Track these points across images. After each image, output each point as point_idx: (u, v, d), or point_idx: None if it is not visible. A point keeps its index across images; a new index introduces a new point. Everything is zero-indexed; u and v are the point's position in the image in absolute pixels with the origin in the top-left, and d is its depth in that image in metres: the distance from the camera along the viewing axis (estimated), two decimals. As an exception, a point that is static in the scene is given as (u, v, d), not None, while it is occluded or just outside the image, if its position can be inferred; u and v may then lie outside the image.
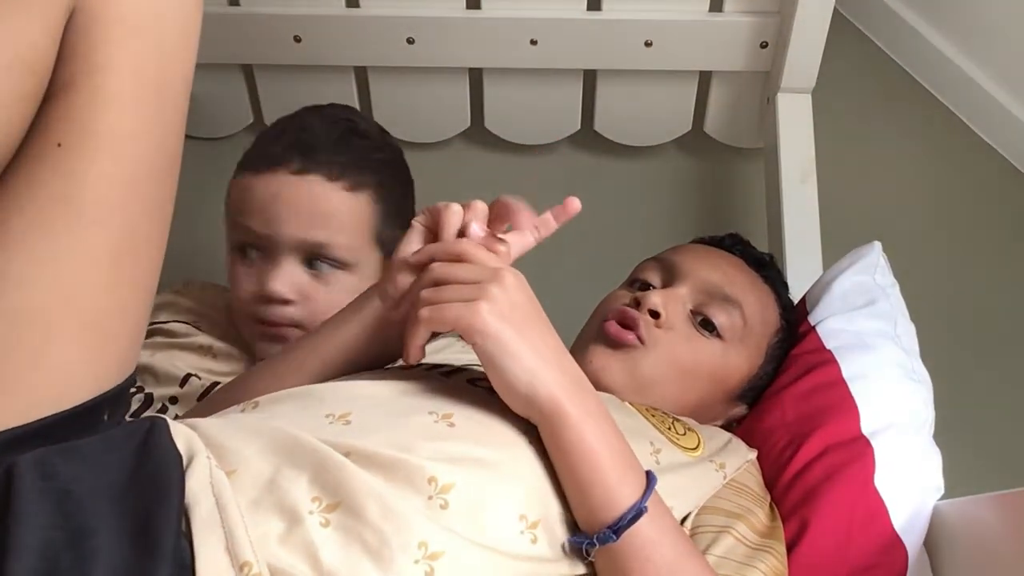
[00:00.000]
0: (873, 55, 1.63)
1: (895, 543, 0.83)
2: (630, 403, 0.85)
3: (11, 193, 0.59)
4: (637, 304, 0.90)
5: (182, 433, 0.62)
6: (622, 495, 0.65)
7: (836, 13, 1.28)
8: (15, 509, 0.52)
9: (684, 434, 0.84)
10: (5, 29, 0.58)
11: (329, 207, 0.95)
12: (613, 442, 0.67)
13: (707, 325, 0.91)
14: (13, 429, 0.56)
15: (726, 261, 0.97)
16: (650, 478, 0.68)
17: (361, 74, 1.43)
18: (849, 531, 0.83)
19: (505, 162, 1.52)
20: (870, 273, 1.04)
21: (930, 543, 0.85)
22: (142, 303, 0.64)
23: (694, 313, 0.91)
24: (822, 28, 1.28)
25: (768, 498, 0.86)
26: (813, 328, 0.99)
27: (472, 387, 0.73)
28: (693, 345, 0.90)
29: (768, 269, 1.01)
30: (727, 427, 0.96)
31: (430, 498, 0.61)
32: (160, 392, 0.98)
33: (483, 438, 0.67)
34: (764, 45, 1.34)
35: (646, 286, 0.94)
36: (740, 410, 0.97)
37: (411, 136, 1.48)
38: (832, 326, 0.99)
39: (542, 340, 0.67)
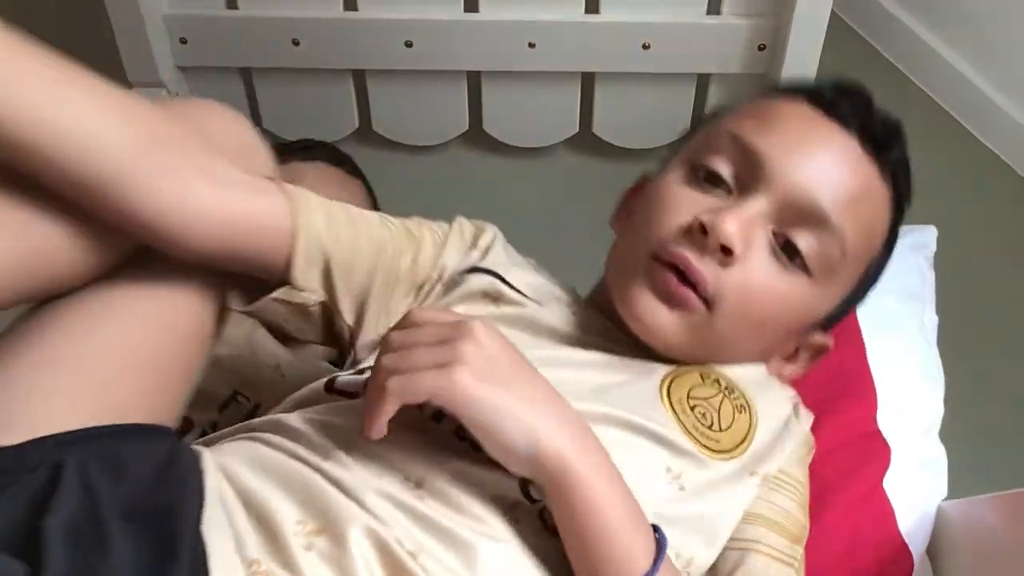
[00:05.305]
0: (871, 58, 1.63)
1: (902, 549, 0.83)
2: (667, 392, 0.72)
3: None
4: (703, 229, 0.70)
5: (212, 471, 0.63)
6: (633, 567, 0.59)
7: (833, 16, 1.28)
8: (54, 501, 0.54)
9: (729, 426, 0.72)
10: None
11: None
12: (624, 500, 0.61)
13: (790, 250, 0.72)
14: (70, 432, 0.59)
15: (835, 151, 0.72)
16: (660, 543, 0.61)
17: (359, 77, 1.43)
18: (855, 536, 0.82)
19: (503, 165, 1.52)
20: (921, 252, 1.02)
21: (932, 544, 0.86)
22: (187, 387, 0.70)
23: (775, 234, 0.72)
24: (819, 31, 1.28)
25: (808, 482, 0.76)
26: None
27: (458, 441, 0.64)
28: (771, 284, 0.72)
29: (892, 150, 0.75)
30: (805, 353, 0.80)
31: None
32: (200, 417, 0.95)
33: (454, 517, 0.61)
34: (762, 48, 1.34)
35: (714, 178, 0.74)
36: (819, 339, 0.79)
37: (409, 139, 1.48)
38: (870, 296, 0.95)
39: (532, 389, 0.60)
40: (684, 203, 0.73)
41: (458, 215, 0.86)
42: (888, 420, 0.87)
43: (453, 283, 0.79)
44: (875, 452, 0.85)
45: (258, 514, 0.59)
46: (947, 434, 0.92)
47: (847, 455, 0.85)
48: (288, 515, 0.59)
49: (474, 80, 1.43)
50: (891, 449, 0.85)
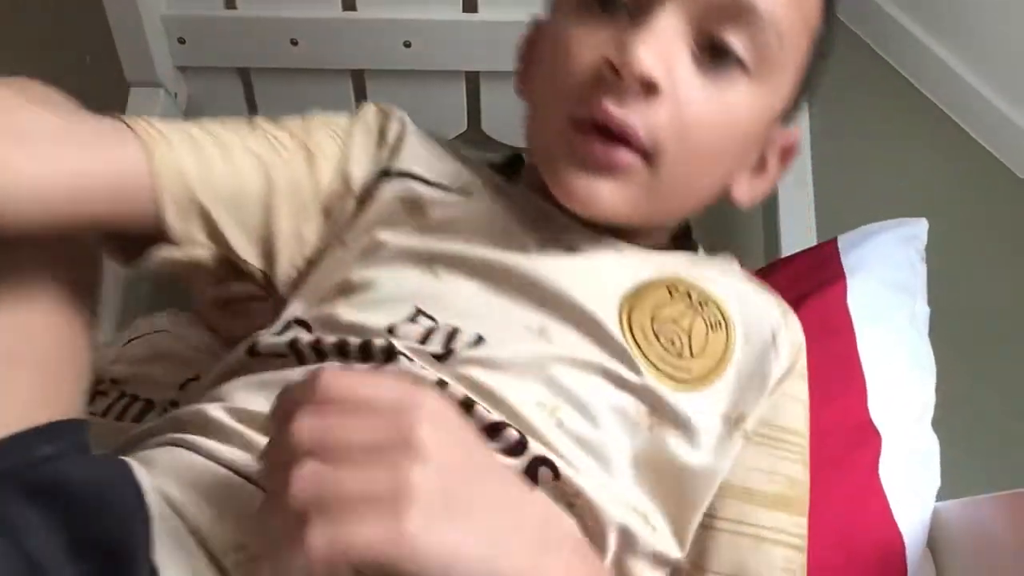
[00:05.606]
0: (868, 59, 1.63)
1: (897, 541, 0.83)
2: (627, 319, 0.62)
3: None
4: (613, 69, 0.58)
5: (152, 495, 0.54)
6: None
7: (831, 16, 1.28)
8: None
9: (702, 350, 0.62)
10: None
11: None
12: None
13: (719, 52, 0.60)
14: None
15: None
16: None
17: (358, 77, 1.43)
18: (852, 527, 0.82)
19: (502, 165, 1.52)
20: (912, 245, 1.03)
21: (932, 544, 0.86)
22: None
23: (697, 42, 0.60)
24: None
25: (807, 431, 0.67)
26: (843, 277, 0.96)
27: None
28: (711, 107, 0.60)
29: None
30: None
31: None
32: (160, 397, 0.96)
33: None
34: (760, 48, 1.34)
35: (608, 2, 0.61)
36: (784, 136, 0.69)
37: (408, 139, 1.48)
38: (860, 287, 0.95)
39: (490, 500, 0.47)
40: (583, 42, 0.61)
41: (367, 102, 0.75)
42: (879, 409, 0.87)
43: (367, 196, 0.69)
44: (868, 441, 0.85)
45: (201, 541, 0.52)
46: (945, 432, 0.92)
47: (840, 444, 0.85)
48: (225, 541, 0.51)
49: (473, 80, 1.43)
50: (883, 438, 0.85)
